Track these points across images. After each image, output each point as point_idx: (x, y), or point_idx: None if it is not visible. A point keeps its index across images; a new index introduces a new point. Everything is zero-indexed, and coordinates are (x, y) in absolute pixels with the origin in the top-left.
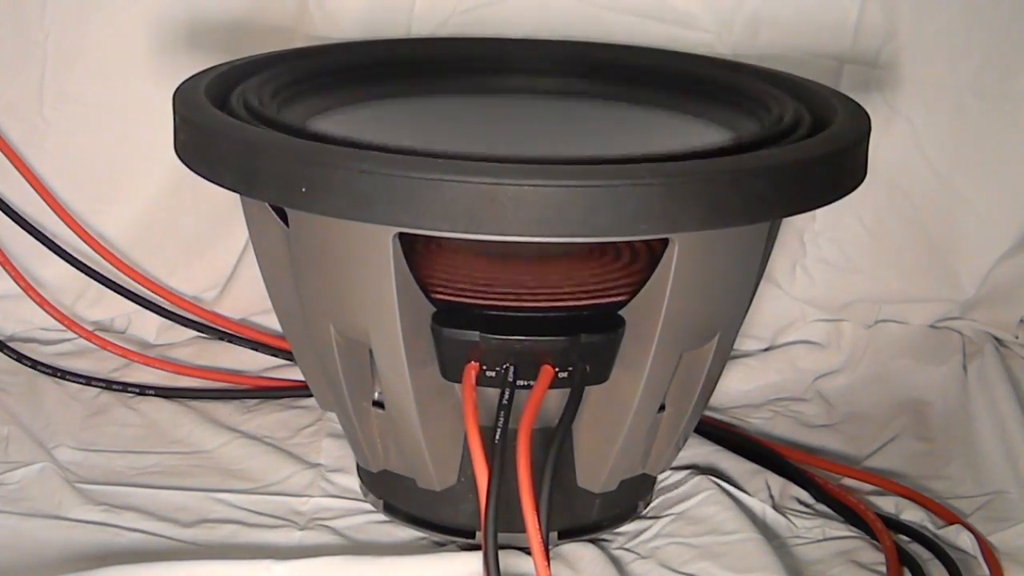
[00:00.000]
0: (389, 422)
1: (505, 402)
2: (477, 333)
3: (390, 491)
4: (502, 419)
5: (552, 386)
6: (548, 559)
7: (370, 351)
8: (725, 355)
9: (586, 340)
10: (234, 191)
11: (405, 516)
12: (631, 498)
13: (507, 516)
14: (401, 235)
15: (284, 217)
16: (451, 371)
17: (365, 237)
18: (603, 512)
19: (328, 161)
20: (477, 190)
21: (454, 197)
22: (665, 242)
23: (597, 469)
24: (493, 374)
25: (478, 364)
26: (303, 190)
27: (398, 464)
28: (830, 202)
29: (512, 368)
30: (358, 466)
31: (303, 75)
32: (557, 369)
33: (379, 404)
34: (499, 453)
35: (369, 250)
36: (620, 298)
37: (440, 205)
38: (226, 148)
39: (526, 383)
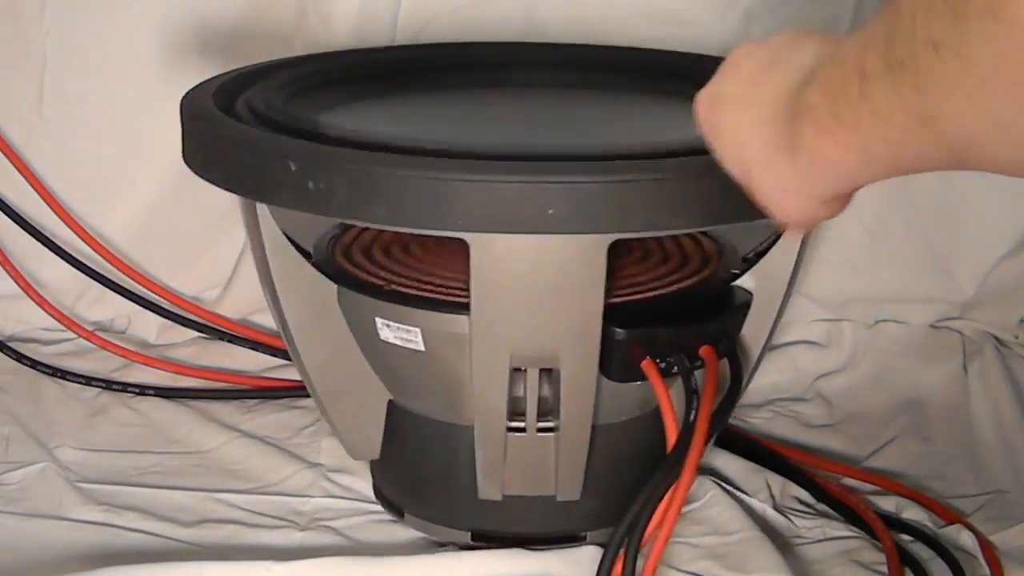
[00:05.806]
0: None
1: (693, 387)
2: (653, 329)
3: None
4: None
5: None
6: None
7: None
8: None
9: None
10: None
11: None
12: None
13: None
14: None
15: None
16: (631, 372)
17: None
18: None
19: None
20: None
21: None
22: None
23: None
24: (664, 364)
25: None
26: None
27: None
28: None
29: (683, 355)
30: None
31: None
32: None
33: None
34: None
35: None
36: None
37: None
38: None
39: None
